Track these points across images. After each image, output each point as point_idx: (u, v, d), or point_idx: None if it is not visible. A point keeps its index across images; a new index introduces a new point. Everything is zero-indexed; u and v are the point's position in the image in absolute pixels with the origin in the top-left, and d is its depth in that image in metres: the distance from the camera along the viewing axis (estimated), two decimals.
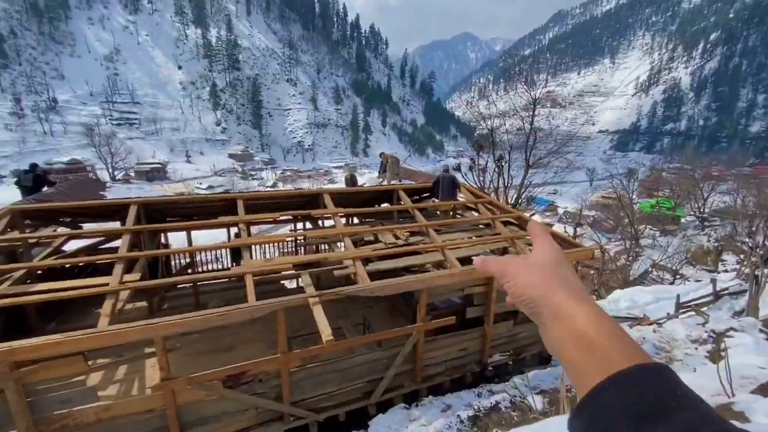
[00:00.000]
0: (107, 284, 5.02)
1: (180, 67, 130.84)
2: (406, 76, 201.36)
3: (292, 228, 10.32)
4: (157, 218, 8.06)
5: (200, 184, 79.08)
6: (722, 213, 38.78)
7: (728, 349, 6.07)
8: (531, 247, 0.61)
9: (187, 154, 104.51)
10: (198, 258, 10.52)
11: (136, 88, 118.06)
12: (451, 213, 9.49)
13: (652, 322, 10.05)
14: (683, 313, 10.76)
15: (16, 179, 9.54)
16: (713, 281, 13.02)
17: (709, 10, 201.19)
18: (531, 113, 19.22)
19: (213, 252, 10.33)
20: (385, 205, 9.96)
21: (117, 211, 7.18)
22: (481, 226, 8.51)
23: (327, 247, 9.11)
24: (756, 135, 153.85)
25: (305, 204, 8.69)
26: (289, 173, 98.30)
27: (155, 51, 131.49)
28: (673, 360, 7.32)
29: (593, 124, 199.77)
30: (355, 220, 10.26)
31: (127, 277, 5.25)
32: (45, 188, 8.95)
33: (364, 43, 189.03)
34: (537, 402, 5.49)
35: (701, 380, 5.06)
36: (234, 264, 8.03)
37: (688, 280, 19.70)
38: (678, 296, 11.48)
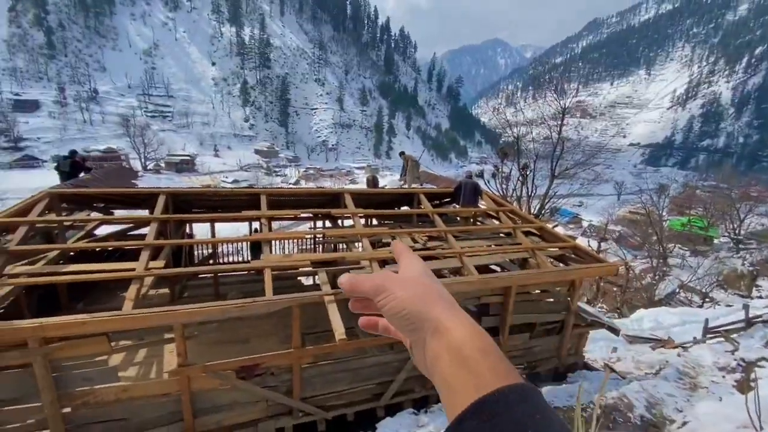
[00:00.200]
0: (134, 269, 5.22)
1: (213, 64, 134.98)
2: (433, 80, 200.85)
3: (312, 226, 10.44)
4: (184, 208, 8.31)
5: (226, 177, 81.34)
6: (760, 236, 36.82)
7: (759, 380, 5.75)
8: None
9: (215, 148, 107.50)
10: (219, 249, 10.78)
11: (171, 82, 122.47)
12: (472, 220, 9.38)
13: (676, 346, 9.63)
14: (711, 338, 10.26)
15: (55, 164, 10.03)
16: (746, 307, 12.32)
17: (756, 23, 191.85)
18: (559, 122, 18.82)
19: (234, 245, 10.58)
20: (405, 208, 9.95)
21: (146, 199, 7.44)
22: (501, 234, 8.38)
23: (345, 246, 9.17)
24: None
25: (326, 203, 8.78)
26: (311, 171, 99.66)
27: (191, 47, 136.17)
28: (698, 387, 6.99)
29: (624, 137, 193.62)
30: (374, 222, 10.29)
31: (152, 264, 5.43)
32: (81, 174, 9.38)
33: (393, 45, 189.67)
34: None
35: (728, 410, 4.81)
36: (253, 257, 8.20)
37: (719, 305, 18.76)
38: (707, 320, 10.95)
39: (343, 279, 0.56)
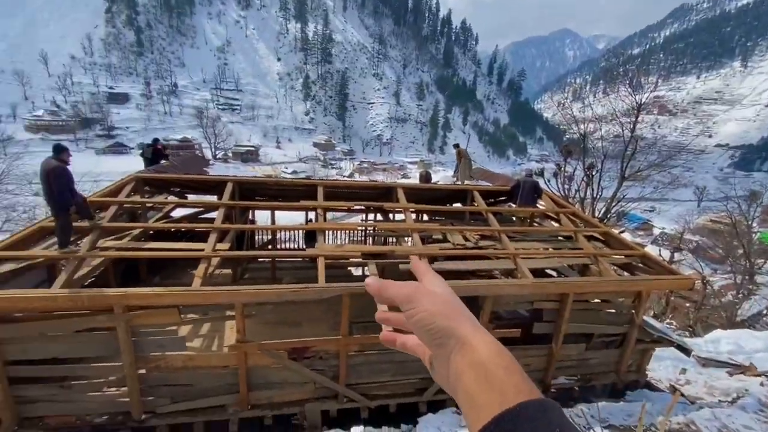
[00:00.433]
0: (203, 250, 5.70)
1: (279, 59, 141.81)
2: (493, 73, 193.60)
3: (364, 218, 10.63)
4: (248, 196, 8.88)
5: (286, 168, 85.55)
6: None
7: None
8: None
9: (277, 140, 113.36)
10: (278, 236, 11.37)
11: (241, 77, 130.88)
12: (529, 220, 8.99)
13: (760, 374, 8.54)
14: None
15: (140, 151, 11.18)
16: None
17: None
18: (633, 119, 17.29)
19: (290, 232, 11.11)
20: (457, 205, 9.78)
21: (216, 186, 8.04)
22: (560, 238, 7.94)
23: (395, 240, 9.24)
24: None
25: (378, 196, 8.89)
26: (365, 165, 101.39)
27: (259, 43, 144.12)
28: None
29: (710, 136, 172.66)
30: (425, 217, 10.24)
31: (219, 246, 5.89)
32: (162, 161, 10.36)
33: (453, 38, 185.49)
34: None
35: None
36: (307, 246, 8.56)
37: None
38: None
39: (371, 281, 0.58)
